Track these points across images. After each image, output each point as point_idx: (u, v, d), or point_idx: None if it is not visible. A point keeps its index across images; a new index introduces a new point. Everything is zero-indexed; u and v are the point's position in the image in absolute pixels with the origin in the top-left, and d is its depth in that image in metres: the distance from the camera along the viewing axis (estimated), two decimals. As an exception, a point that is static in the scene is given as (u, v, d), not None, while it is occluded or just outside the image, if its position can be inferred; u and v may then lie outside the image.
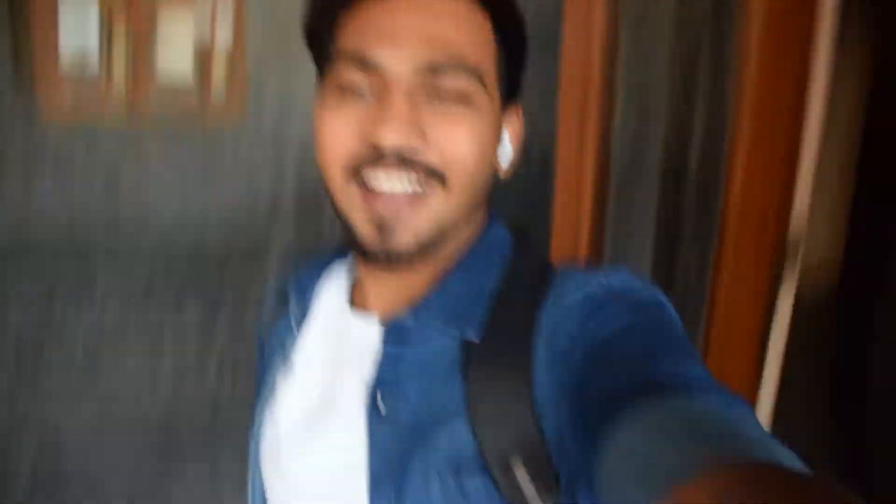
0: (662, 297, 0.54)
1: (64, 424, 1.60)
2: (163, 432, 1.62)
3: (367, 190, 0.55)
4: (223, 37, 1.38)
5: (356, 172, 0.55)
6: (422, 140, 0.54)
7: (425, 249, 0.57)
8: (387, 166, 0.54)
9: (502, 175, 0.64)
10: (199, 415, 1.62)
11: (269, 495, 0.69)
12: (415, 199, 0.55)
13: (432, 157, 0.54)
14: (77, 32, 1.35)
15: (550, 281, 0.57)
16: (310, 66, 0.61)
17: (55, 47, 1.36)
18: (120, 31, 1.35)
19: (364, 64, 0.54)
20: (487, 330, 0.56)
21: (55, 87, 1.39)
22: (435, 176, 0.55)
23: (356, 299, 0.67)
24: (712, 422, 0.38)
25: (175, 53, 1.36)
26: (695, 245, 1.39)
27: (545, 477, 0.52)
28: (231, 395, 1.61)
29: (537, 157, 1.39)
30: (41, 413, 1.60)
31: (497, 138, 0.61)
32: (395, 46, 0.53)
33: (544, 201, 1.42)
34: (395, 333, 0.60)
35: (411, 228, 0.55)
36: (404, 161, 0.53)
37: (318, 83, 0.60)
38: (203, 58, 1.38)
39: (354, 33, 0.55)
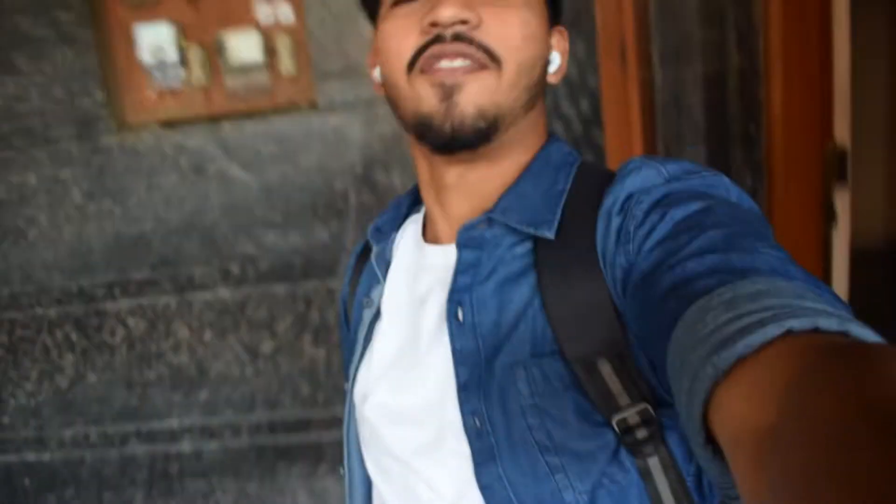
0: (727, 180, 0.54)
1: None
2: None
3: (429, 70, 0.57)
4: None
5: (417, 60, 0.57)
6: (476, 18, 0.55)
7: (488, 128, 0.57)
8: (445, 48, 0.55)
9: (553, 80, 0.66)
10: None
11: (368, 464, 0.69)
12: (473, 69, 0.56)
13: (486, 38, 0.56)
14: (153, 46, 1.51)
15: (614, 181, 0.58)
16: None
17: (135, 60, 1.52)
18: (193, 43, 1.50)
19: None
20: (561, 228, 0.57)
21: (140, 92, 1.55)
22: (490, 56, 0.56)
23: (428, 235, 0.69)
24: (780, 295, 0.36)
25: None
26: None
27: (629, 371, 0.53)
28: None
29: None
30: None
31: (546, 35, 0.62)
32: None
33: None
34: (468, 237, 0.61)
35: (472, 97, 0.56)
36: (461, 39, 0.55)
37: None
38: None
39: None
